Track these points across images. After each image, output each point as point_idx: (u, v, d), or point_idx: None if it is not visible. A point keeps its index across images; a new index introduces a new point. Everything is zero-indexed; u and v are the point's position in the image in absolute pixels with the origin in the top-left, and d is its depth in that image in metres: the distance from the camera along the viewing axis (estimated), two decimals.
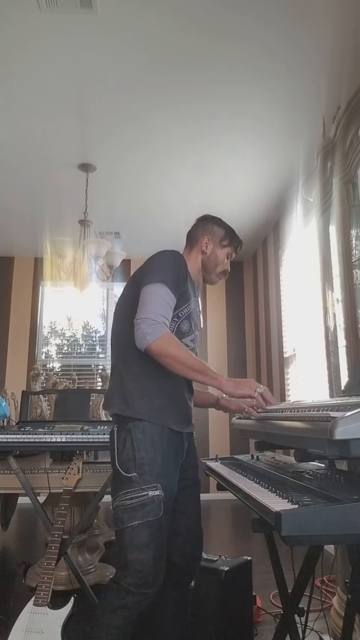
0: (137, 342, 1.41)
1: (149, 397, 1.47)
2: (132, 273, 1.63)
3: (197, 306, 1.67)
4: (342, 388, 1.69)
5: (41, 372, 3.44)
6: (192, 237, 1.73)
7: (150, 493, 1.38)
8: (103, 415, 2.94)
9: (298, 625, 1.60)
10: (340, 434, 0.87)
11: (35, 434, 2.12)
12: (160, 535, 1.39)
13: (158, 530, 1.38)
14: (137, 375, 1.48)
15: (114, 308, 1.65)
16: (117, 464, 1.44)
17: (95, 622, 1.39)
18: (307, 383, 3.85)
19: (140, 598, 1.35)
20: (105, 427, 2.20)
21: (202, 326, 1.75)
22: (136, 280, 1.55)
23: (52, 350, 5.89)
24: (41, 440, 2.10)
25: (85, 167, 3.78)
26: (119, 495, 1.40)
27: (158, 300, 1.45)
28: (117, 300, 1.65)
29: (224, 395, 1.73)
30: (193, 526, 1.60)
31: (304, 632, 1.62)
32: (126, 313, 1.52)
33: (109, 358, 1.95)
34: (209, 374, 1.45)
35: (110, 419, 1.55)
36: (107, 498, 2.19)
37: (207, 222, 1.74)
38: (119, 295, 1.73)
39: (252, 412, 1.47)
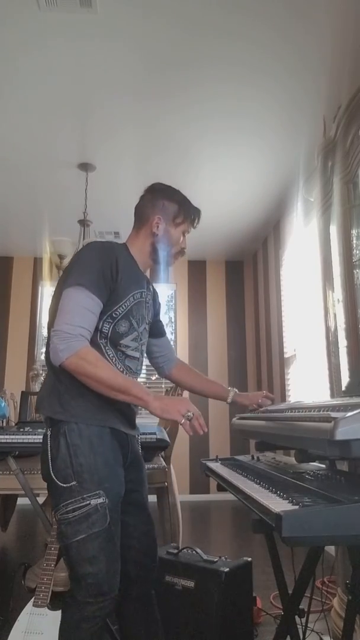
0: (51, 357, 1.28)
1: (84, 396, 1.33)
2: None
3: (146, 297, 1.51)
4: (343, 388, 1.69)
5: (41, 372, 3.43)
6: (141, 215, 1.52)
7: (93, 502, 1.27)
8: None
9: (298, 626, 1.59)
10: (341, 434, 0.86)
11: (35, 434, 2.12)
12: (109, 543, 1.30)
13: (106, 539, 1.29)
14: (69, 376, 1.32)
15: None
16: (52, 473, 1.31)
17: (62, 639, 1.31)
18: (307, 383, 3.84)
19: (99, 606, 1.28)
20: None
21: (151, 318, 1.59)
22: (62, 281, 1.39)
23: None
24: (41, 440, 2.09)
25: (85, 167, 3.78)
26: (59, 508, 1.29)
27: (75, 307, 1.29)
28: None
29: (235, 390, 1.70)
30: (145, 537, 1.52)
31: (304, 633, 1.61)
32: (53, 317, 1.37)
33: None
34: (134, 393, 1.29)
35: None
36: None
37: (156, 197, 1.52)
38: None
39: (188, 431, 1.33)
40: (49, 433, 1.36)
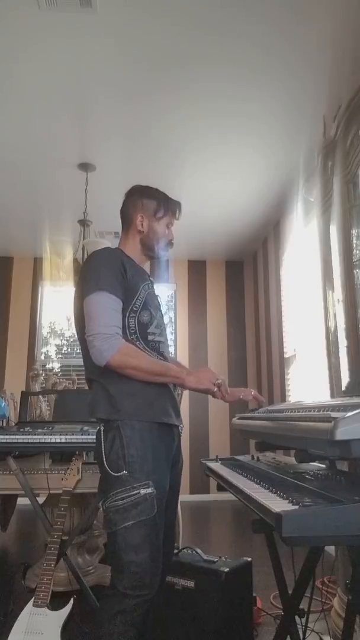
0: (94, 359, 1.38)
1: (133, 396, 1.43)
2: None
3: (151, 289, 1.61)
4: (343, 388, 1.69)
5: (40, 372, 3.43)
6: (125, 217, 1.66)
7: (142, 491, 1.35)
8: None
9: (298, 626, 1.59)
10: (341, 434, 0.86)
11: (35, 434, 2.12)
12: (154, 533, 1.36)
13: (152, 529, 1.35)
14: (117, 378, 1.43)
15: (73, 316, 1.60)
16: (105, 464, 1.40)
17: (96, 631, 1.34)
18: (307, 383, 3.84)
19: (138, 600, 1.31)
20: None
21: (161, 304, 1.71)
22: (81, 291, 1.49)
23: (52, 350, 5.88)
24: (40, 440, 2.09)
25: (85, 167, 3.78)
26: (109, 497, 1.36)
27: (103, 310, 1.41)
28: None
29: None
30: (166, 529, 1.52)
31: (304, 633, 1.61)
32: (80, 323, 1.48)
33: None
34: (172, 374, 1.45)
35: None
36: None
37: (135, 197, 1.65)
38: None
39: (219, 397, 1.51)
40: (102, 428, 1.45)
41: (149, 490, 1.35)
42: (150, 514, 1.34)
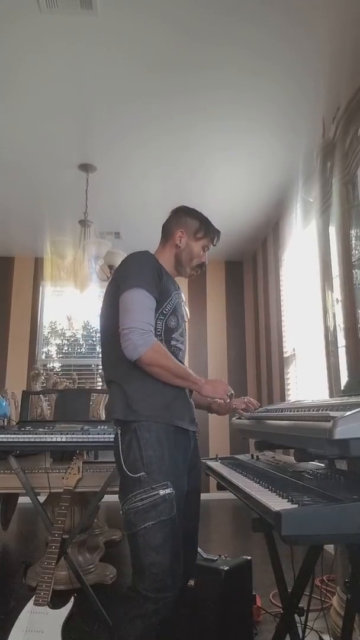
0: (127, 353, 1.41)
1: (151, 397, 1.45)
2: None
3: (180, 298, 1.65)
4: (342, 388, 1.70)
5: (41, 372, 3.44)
6: (166, 231, 1.70)
7: (161, 492, 1.35)
8: (103, 415, 2.95)
9: (298, 624, 1.60)
10: (340, 433, 0.87)
11: (36, 433, 2.13)
12: (174, 534, 1.35)
13: (172, 529, 1.35)
14: (135, 379, 1.46)
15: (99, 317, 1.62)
16: (124, 466, 1.40)
17: (115, 632, 1.33)
18: (306, 383, 3.85)
19: (159, 604, 1.30)
20: (106, 427, 2.20)
21: (188, 317, 1.76)
22: (116, 288, 1.53)
23: (53, 350, 5.89)
24: (41, 440, 2.10)
25: (86, 167, 3.78)
26: (128, 498, 1.36)
27: (140, 307, 1.44)
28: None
29: (217, 400, 1.73)
30: (188, 537, 1.52)
31: (303, 631, 1.62)
32: (112, 322, 1.49)
33: None
34: (191, 379, 1.48)
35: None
36: (107, 498, 2.20)
37: (180, 215, 1.70)
38: None
39: (230, 406, 1.63)
40: (119, 431, 1.46)
41: (168, 490, 1.36)
42: (170, 515, 1.34)
